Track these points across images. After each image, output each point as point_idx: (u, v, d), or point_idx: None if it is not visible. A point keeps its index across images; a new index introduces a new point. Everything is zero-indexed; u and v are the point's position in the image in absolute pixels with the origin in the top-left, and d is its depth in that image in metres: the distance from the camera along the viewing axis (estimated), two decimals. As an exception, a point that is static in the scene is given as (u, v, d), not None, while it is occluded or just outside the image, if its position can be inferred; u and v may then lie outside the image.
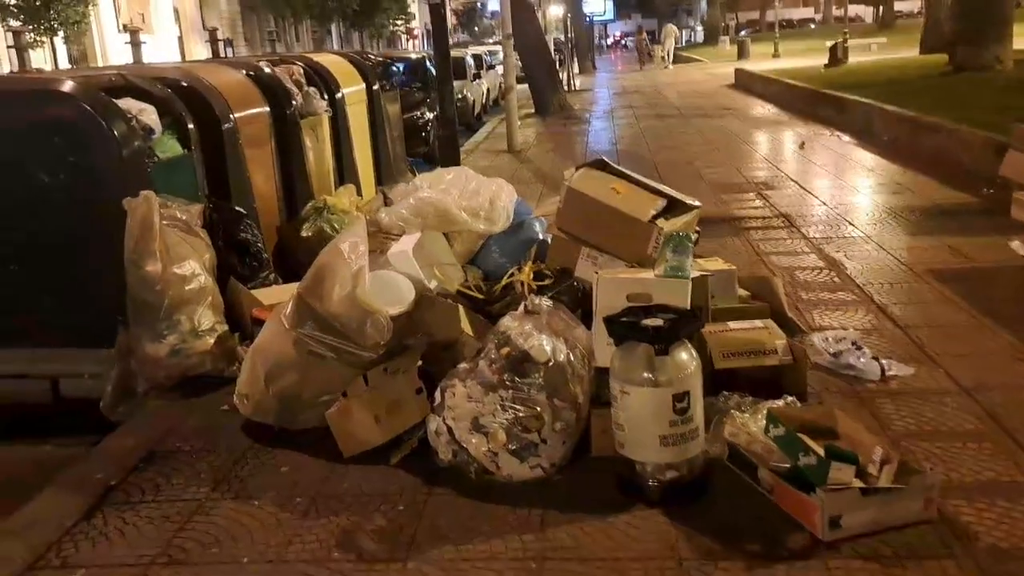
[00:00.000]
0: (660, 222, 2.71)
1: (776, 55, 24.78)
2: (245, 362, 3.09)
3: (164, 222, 3.60)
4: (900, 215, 5.62)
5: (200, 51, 31.41)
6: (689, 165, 8.22)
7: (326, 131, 6.00)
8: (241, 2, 34.00)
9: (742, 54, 27.21)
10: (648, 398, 2.35)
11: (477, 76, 14.98)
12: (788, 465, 2.36)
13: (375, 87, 7.14)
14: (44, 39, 21.17)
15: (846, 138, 9.20)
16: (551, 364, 2.54)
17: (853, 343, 3.30)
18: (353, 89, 6.60)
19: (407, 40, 44.25)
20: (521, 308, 2.76)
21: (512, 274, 2.98)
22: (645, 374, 2.35)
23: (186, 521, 2.49)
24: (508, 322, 2.65)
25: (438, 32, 5.41)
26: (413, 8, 45.35)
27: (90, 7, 22.18)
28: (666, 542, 2.23)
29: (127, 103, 3.92)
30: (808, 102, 11.76)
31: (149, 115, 3.98)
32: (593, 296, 2.73)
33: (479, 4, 59.75)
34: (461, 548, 2.27)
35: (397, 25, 41.86)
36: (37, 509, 2.63)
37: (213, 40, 7.09)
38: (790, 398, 2.67)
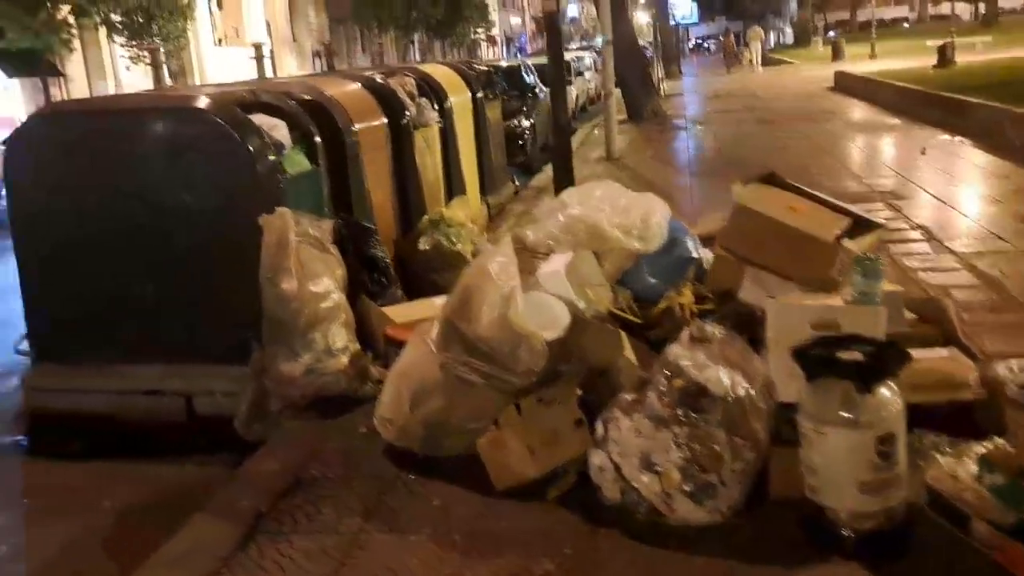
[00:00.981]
0: (846, 243, 2.48)
1: (873, 56, 23.84)
2: (387, 385, 2.99)
3: (298, 239, 3.55)
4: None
5: (290, 63, 32.20)
6: (803, 172, 7.84)
7: (437, 141, 5.93)
8: (329, 15, 34.71)
9: (837, 55, 26.26)
10: (848, 440, 2.13)
11: (568, 82, 14.81)
12: (1008, 518, 2.10)
13: (479, 96, 7.06)
14: (146, 54, 22.02)
15: (970, 143, 8.65)
16: (730, 399, 2.34)
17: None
18: (460, 99, 6.53)
19: (487, 47, 44.45)
20: (686, 334, 2.57)
21: (670, 297, 2.79)
22: (844, 413, 2.13)
23: (345, 556, 2.38)
24: (678, 351, 2.46)
25: (551, 38, 5.28)
26: (493, 16, 45.55)
27: (188, 22, 22.94)
28: (872, 604, 2.01)
29: (259, 119, 3.90)
30: (922, 105, 11.15)
31: (280, 130, 3.95)
32: (767, 323, 2.51)
33: (558, 10, 59.61)
34: (643, 599, 2.09)
35: (478, 33, 42.06)
36: (190, 537, 2.58)
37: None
38: (999, 440, 2.39)
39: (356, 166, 4.51)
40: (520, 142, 9.78)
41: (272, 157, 3.72)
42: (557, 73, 5.34)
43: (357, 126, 4.57)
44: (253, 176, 3.61)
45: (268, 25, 31.50)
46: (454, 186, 6.20)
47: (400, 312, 3.74)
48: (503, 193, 7.54)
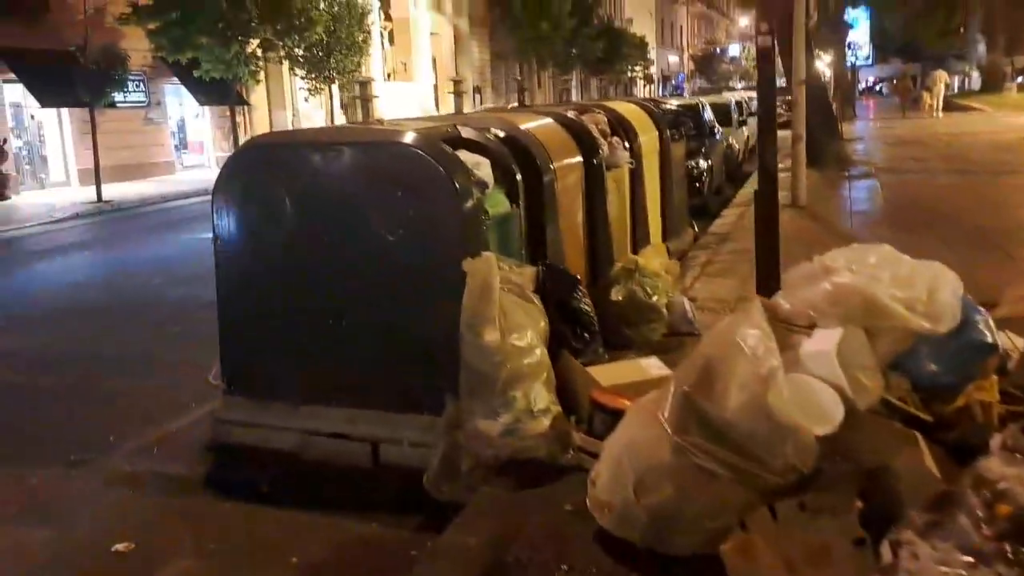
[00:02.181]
0: None
1: (1080, 103, 21.58)
2: (605, 462, 2.63)
3: (501, 286, 3.29)
4: None
5: (451, 99, 33.12)
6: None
7: (626, 183, 5.61)
8: (492, 52, 35.62)
9: (1035, 102, 24.00)
10: None
11: (742, 123, 14.20)
12: None
13: (666, 136, 6.70)
14: (324, 87, 23.22)
15: None
16: (1078, 536, 1.82)
17: None
18: (648, 138, 6.20)
19: (644, 85, 44.12)
20: (997, 442, 2.07)
21: (967, 391, 2.28)
22: None
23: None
24: (999, 466, 1.96)
25: (763, 78, 4.83)
26: (652, 54, 45.26)
27: (363, 57, 24.03)
28: None
29: (464, 156, 3.71)
30: None
31: (484, 168, 3.74)
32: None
33: (717, 50, 58.60)
34: None
35: (635, 71, 41.90)
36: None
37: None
38: None
39: (552, 207, 4.25)
40: (697, 184, 9.32)
41: (477, 196, 3.50)
42: (768, 114, 4.88)
43: (555, 165, 4.31)
44: (459, 216, 3.40)
45: (434, 61, 32.66)
46: (638, 231, 5.85)
47: (606, 373, 3.40)
48: (683, 239, 7.12)
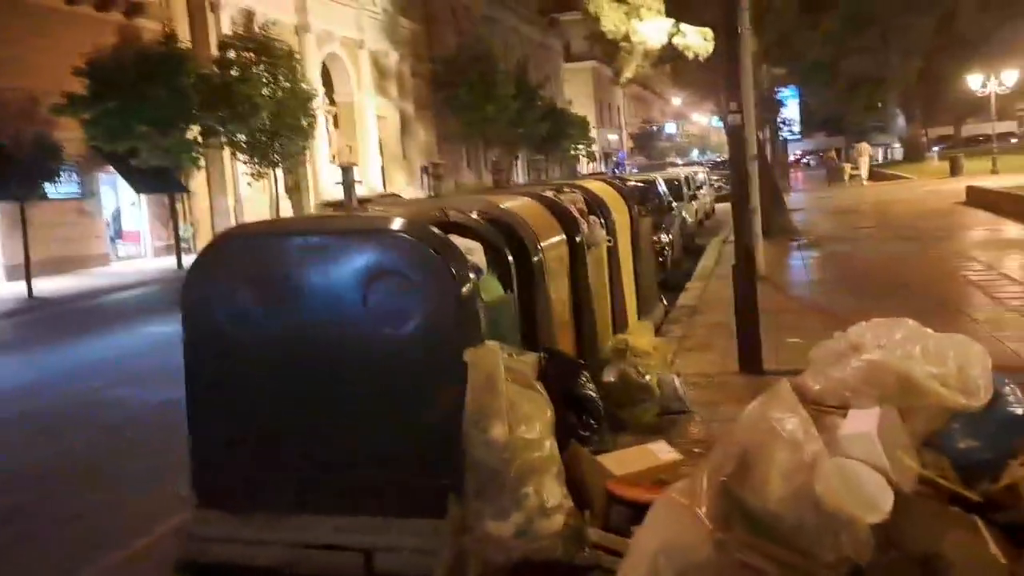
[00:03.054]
0: None
1: (995, 171, 22.89)
2: (637, 562, 2.47)
3: (504, 376, 3.17)
4: None
5: (400, 179, 33.37)
6: (989, 301, 7.13)
7: (605, 261, 5.60)
8: (437, 133, 36.18)
9: (955, 170, 25.37)
10: None
11: (693, 197, 14.56)
12: None
13: (636, 213, 6.76)
14: (267, 171, 23.09)
15: None
16: None
17: None
18: (620, 216, 6.23)
19: (587, 163, 45.29)
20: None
21: (1011, 468, 2.23)
22: None
23: None
24: (1067, 550, 1.89)
25: (735, 155, 4.93)
26: (593, 133, 46.61)
27: (310, 141, 24.06)
28: None
29: (456, 240, 3.62)
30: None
31: (478, 254, 3.66)
32: None
33: (654, 128, 60.69)
34: None
35: (579, 149, 43.01)
36: None
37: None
38: None
39: (544, 290, 4.17)
40: (660, 258, 9.42)
41: (474, 282, 3.40)
42: (742, 191, 4.97)
43: (543, 245, 4.26)
44: (457, 304, 3.28)
45: (381, 144, 32.98)
46: (617, 309, 5.82)
47: (616, 461, 3.27)
48: (656, 314, 7.12)
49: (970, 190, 16.67)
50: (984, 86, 27.28)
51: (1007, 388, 2.44)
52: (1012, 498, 2.19)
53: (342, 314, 3.38)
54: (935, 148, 40.15)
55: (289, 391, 3.45)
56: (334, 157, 29.39)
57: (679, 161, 34.43)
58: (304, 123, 22.80)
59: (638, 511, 2.73)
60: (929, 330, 2.51)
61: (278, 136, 22.11)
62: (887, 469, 2.25)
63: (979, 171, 23.80)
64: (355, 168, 25.07)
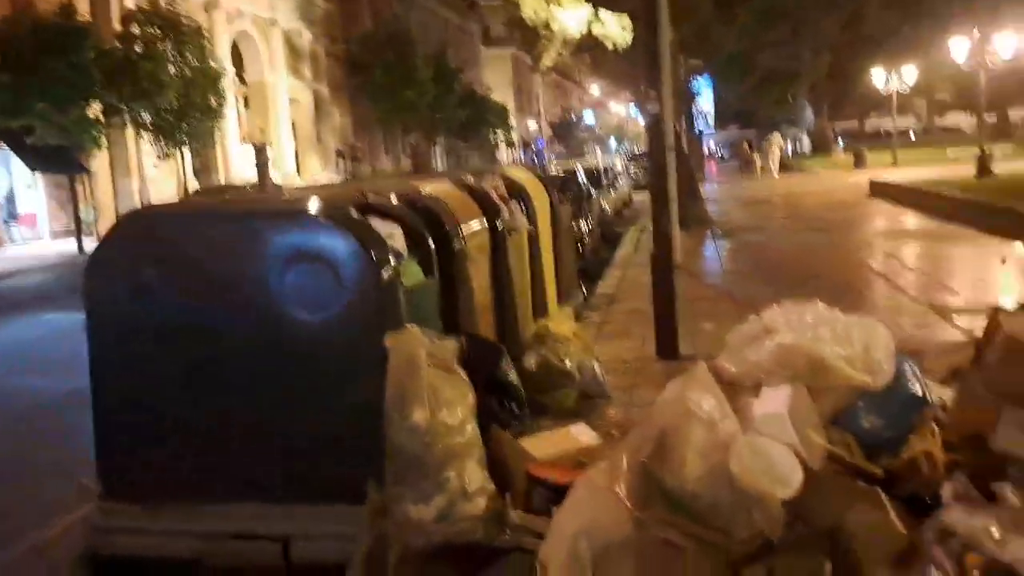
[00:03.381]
0: None
1: (895, 164, 24.04)
2: (556, 543, 2.50)
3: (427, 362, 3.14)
4: None
5: (314, 163, 32.67)
6: (890, 289, 7.49)
7: (526, 248, 5.62)
8: (353, 117, 35.55)
9: (859, 163, 26.52)
10: None
11: (611, 186, 14.77)
12: None
13: (556, 200, 6.80)
14: (174, 152, 22.23)
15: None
16: (1046, 584, 1.87)
17: None
18: (541, 203, 6.26)
19: (507, 150, 45.37)
20: (948, 492, 2.13)
21: (911, 444, 2.35)
22: None
23: None
24: (961, 517, 2.01)
25: (655, 143, 5.00)
26: (512, 121, 46.69)
27: (218, 121, 23.27)
28: None
29: (376, 223, 3.57)
30: (980, 214, 10.91)
31: (398, 238, 3.61)
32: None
33: (574, 117, 61.24)
34: None
35: (498, 136, 43.02)
36: None
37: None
38: None
39: (465, 275, 4.15)
40: (579, 246, 9.52)
41: (394, 269, 3.35)
42: (660, 179, 5.05)
43: (465, 231, 4.24)
44: (377, 290, 3.23)
45: (294, 126, 32.18)
46: (538, 295, 5.85)
47: (537, 445, 3.29)
48: (576, 301, 7.19)
49: (873, 183, 17.46)
50: (887, 82, 28.59)
51: (908, 368, 2.56)
52: (911, 471, 2.31)
53: (256, 299, 3.28)
54: (841, 142, 41.84)
55: (200, 378, 3.34)
56: (245, 139, 28.52)
57: (598, 150, 34.82)
58: (213, 103, 22.02)
59: (559, 493, 2.76)
60: (838, 313, 2.61)
61: (186, 116, 21.30)
62: (797, 447, 2.33)
63: (881, 164, 24.93)
64: (269, 149, 24.45)
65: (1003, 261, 8.06)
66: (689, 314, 6.06)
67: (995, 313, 2.43)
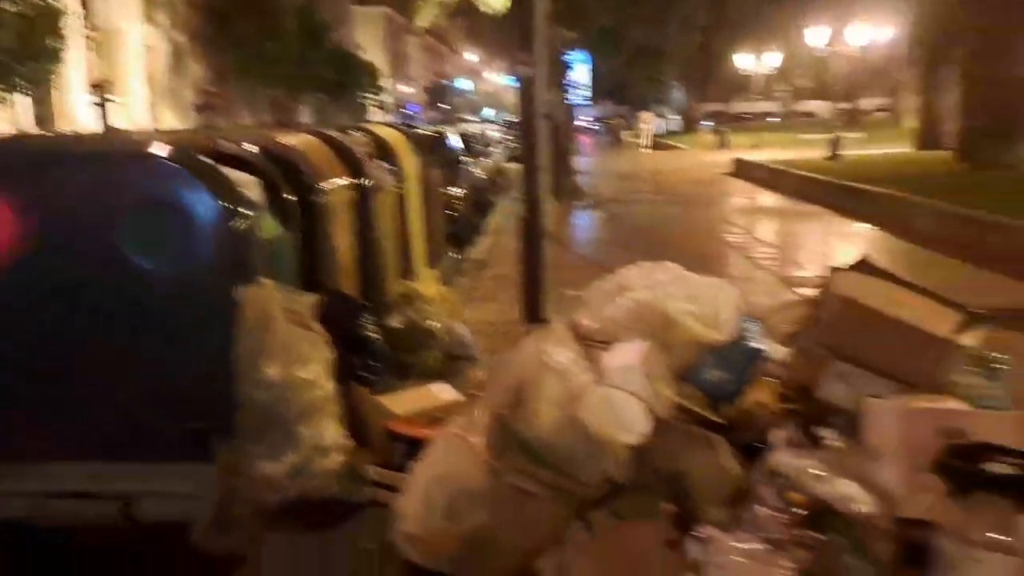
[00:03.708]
0: (960, 338, 2.28)
1: (756, 146, 25.30)
2: (413, 494, 2.51)
3: (282, 317, 3.04)
4: (1010, 319, 5.28)
5: (170, 117, 30.81)
6: (740, 257, 7.91)
7: (393, 207, 5.52)
8: (213, 68, 33.70)
9: (723, 144, 27.74)
10: (1006, 568, 1.86)
11: (486, 154, 14.76)
12: None
13: (425, 162, 6.72)
14: (9, 96, 20.37)
15: (883, 232, 9.04)
16: (857, 516, 2.04)
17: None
18: (410, 163, 6.16)
19: (379, 114, 44.30)
20: (780, 438, 2.28)
21: (748, 395, 2.49)
22: (1001, 536, 1.86)
23: None
24: (787, 459, 2.16)
25: (525, 106, 5.02)
26: (385, 83, 45.67)
27: (58, 65, 21.44)
28: None
29: (228, 172, 3.40)
30: (827, 194, 11.70)
31: (253, 188, 3.45)
32: (872, 426, 2.25)
33: (448, 82, 60.63)
34: None
35: (369, 99, 41.94)
36: None
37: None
38: None
39: (325, 231, 4.03)
40: (451, 212, 9.45)
41: (247, 220, 3.21)
42: (530, 144, 5.08)
43: (326, 186, 4.11)
44: (227, 240, 3.08)
45: (148, 76, 30.19)
46: (405, 257, 5.77)
47: (397, 402, 3.27)
48: (444, 265, 7.16)
49: (736, 162, 18.32)
50: (751, 66, 30.00)
51: (751, 326, 2.71)
52: (748, 420, 2.45)
53: (96, 247, 3.06)
54: (708, 122, 43.56)
55: (33, 328, 3.10)
56: (93, 88, 26.46)
57: (473, 118, 34.71)
58: (53, 46, 20.23)
59: (417, 448, 2.75)
60: (691, 273, 2.72)
61: (24, 59, 19.49)
62: (646, 398, 2.42)
63: (743, 145, 26.16)
64: (117, 100, 22.84)
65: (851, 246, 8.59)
66: (556, 280, 6.16)
67: (828, 275, 2.60)
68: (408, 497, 2.53)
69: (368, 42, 48.48)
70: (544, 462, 2.31)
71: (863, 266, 2.55)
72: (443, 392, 3.44)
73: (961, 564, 1.91)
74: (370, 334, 3.49)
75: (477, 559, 2.38)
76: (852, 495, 2.05)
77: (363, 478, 2.99)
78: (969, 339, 2.30)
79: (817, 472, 2.09)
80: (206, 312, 3.06)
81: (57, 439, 3.11)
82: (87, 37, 26.02)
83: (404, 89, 56.75)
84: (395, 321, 4.34)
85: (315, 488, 2.93)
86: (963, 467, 1.94)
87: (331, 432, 3.00)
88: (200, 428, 3.00)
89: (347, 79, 36.84)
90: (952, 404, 2.18)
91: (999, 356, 2.27)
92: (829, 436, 2.19)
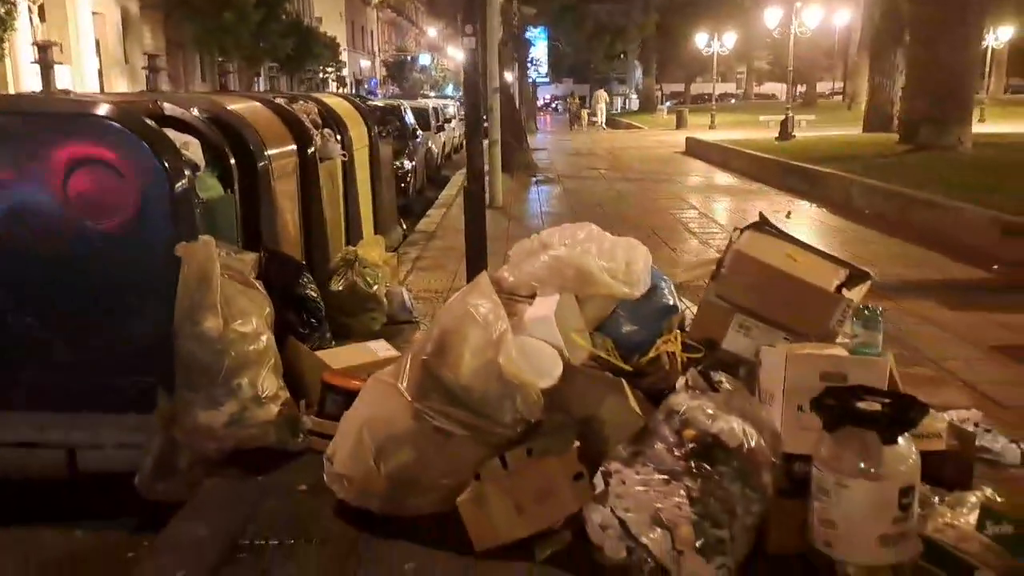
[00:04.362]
0: (845, 292, 2.49)
1: (713, 126, 25.65)
2: (343, 437, 2.66)
3: (222, 273, 3.16)
4: (931, 289, 5.59)
5: (121, 86, 30.11)
6: (687, 233, 8.15)
7: (339, 176, 5.62)
8: (167, 38, 32.98)
9: (680, 123, 28.05)
10: (871, 493, 2.09)
11: (440, 128, 14.79)
12: (1015, 566, 2.12)
13: (375, 133, 6.81)
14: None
15: (825, 210, 9.35)
16: (744, 450, 2.25)
17: (976, 424, 3.13)
18: (358, 133, 6.24)
19: (337, 88, 43.79)
20: (682, 382, 2.48)
21: (658, 345, 2.69)
22: (868, 465, 2.08)
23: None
24: (685, 400, 2.35)
25: (470, 79, 5.14)
26: (344, 56, 45.14)
27: (7, 31, 20.87)
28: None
29: (171, 135, 3.48)
30: (775, 173, 12.01)
31: (195, 149, 3.54)
32: (764, 372, 2.46)
33: (408, 58, 60.03)
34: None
35: (328, 72, 41.45)
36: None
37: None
38: (988, 490, 2.43)
39: (268, 194, 4.13)
40: (403, 184, 9.55)
41: (188, 180, 3.31)
42: (475, 116, 5.20)
43: (270, 152, 4.21)
44: (168, 199, 3.18)
45: (98, 43, 29.44)
46: (351, 225, 5.88)
47: (335, 357, 3.40)
48: (393, 236, 7.27)
49: (689, 141, 18.60)
50: (709, 46, 30.29)
51: (662, 282, 2.91)
52: (655, 368, 2.64)
53: (38, 204, 3.16)
54: (667, 103, 43.93)
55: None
56: (39, 51, 25.77)
57: (432, 94, 34.54)
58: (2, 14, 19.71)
59: (351, 399, 2.88)
60: (607, 233, 2.90)
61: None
62: (561, 346, 2.61)
63: (700, 125, 26.47)
64: (64, 65, 22.29)
65: (788, 215, 8.95)
66: (503, 251, 6.33)
67: (731, 234, 2.80)
68: (339, 440, 2.68)
69: (327, 14, 47.80)
70: (465, 405, 2.47)
71: (761, 226, 2.75)
72: (380, 349, 3.58)
73: (832, 490, 2.12)
74: (310, 292, 3.61)
75: (403, 496, 2.55)
76: (739, 431, 2.25)
77: (300, 428, 3.13)
78: (852, 294, 2.51)
79: (709, 411, 2.29)
80: (145, 268, 3.17)
81: (3, 392, 3.19)
82: (33, 3, 25.29)
83: (363, 63, 56.10)
84: (338, 285, 4.46)
85: (252, 437, 3.07)
86: (836, 405, 2.15)
87: (269, 383, 3.14)
88: (141, 381, 3.12)
89: (305, 52, 36.38)
90: (834, 351, 2.39)
91: (875, 309, 2.48)
92: (725, 380, 2.38)
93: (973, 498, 2.37)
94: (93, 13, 28.80)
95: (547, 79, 35.03)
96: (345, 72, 46.22)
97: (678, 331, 2.72)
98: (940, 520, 2.33)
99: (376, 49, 60.27)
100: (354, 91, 48.81)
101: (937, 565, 2.23)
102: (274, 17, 32.80)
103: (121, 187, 3.15)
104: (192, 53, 33.42)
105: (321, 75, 41.01)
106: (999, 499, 2.42)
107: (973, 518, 2.28)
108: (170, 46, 32.56)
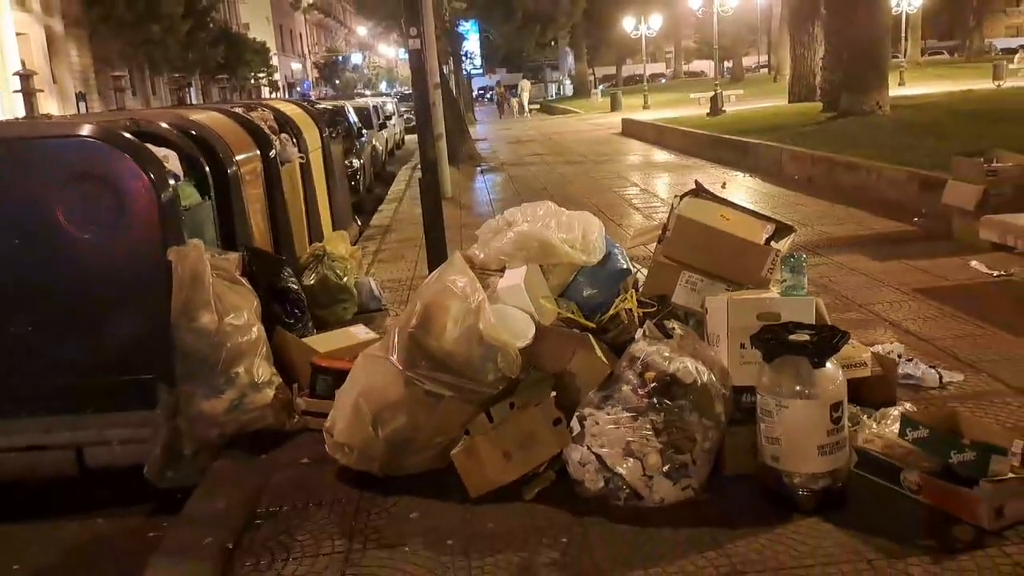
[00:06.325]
0: (773, 244, 2.86)
1: (647, 106, 26.23)
2: (340, 410, 2.94)
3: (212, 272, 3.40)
4: (858, 244, 6.07)
5: (51, 106, 29.39)
6: (630, 208, 8.55)
7: (299, 178, 5.85)
8: (94, 55, 32.29)
9: (615, 106, 28.60)
10: (806, 410, 2.44)
11: (382, 126, 14.97)
12: (933, 464, 2.51)
13: (326, 135, 7.04)
14: None
15: (758, 179, 9.85)
16: (698, 385, 2.60)
17: (900, 355, 3.55)
18: (311, 136, 6.47)
19: (270, 92, 43.38)
20: (640, 333, 2.82)
21: (617, 303, 3.03)
22: (802, 387, 2.44)
23: (343, 571, 2.33)
24: (644, 347, 2.69)
25: (417, 77, 5.41)
26: (274, 61, 44.69)
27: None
28: (846, 546, 2.31)
29: (151, 148, 3.69)
30: (709, 147, 12.52)
31: (174, 161, 3.77)
32: (711, 318, 2.82)
33: (339, 58, 59.61)
34: (651, 571, 2.26)
35: (259, 78, 41.02)
36: (162, 580, 2.39)
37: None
38: (908, 405, 2.83)
39: (239, 199, 4.36)
40: (353, 183, 9.75)
41: (172, 187, 3.53)
42: (424, 111, 5.47)
43: (237, 158, 4.44)
44: (157, 208, 3.40)
45: (23, 64, 28.68)
46: (312, 223, 6.12)
47: (320, 343, 3.68)
48: (350, 232, 7.50)
49: (625, 122, 19.09)
50: (637, 29, 30.95)
51: (616, 250, 3.25)
52: (615, 324, 2.99)
53: (35, 221, 3.35)
54: (600, 87, 44.58)
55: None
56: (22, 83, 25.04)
57: (367, 92, 34.52)
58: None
59: (340, 379, 3.16)
60: (564, 209, 3.23)
61: None
62: (532, 311, 2.93)
63: (634, 106, 27.03)
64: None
65: (723, 185, 9.40)
66: (458, 240, 6.64)
67: (672, 201, 3.16)
68: (337, 413, 2.96)
69: (254, 19, 47.22)
70: (451, 369, 2.77)
71: (698, 193, 3.11)
72: (361, 333, 3.86)
73: (775, 411, 2.49)
74: (292, 284, 3.87)
75: (401, 456, 2.85)
76: (693, 369, 2.60)
77: (295, 409, 3.40)
78: (780, 245, 2.89)
79: (665, 354, 2.64)
80: (139, 274, 3.38)
81: (10, 397, 3.38)
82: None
83: (294, 66, 55.49)
84: (309, 279, 4.71)
85: (252, 420, 3.33)
86: (772, 339, 2.51)
87: (263, 370, 3.40)
88: (142, 379, 3.34)
89: (235, 59, 36.04)
90: (767, 295, 2.76)
91: (800, 256, 2.86)
92: (677, 327, 2.73)
93: (895, 412, 2.77)
94: (17, 34, 28.07)
95: (481, 71, 35.33)
96: (277, 76, 45.76)
97: (633, 291, 3.06)
98: (868, 432, 2.72)
99: (306, 51, 59.71)
100: (287, 94, 48.35)
101: (868, 471, 2.62)
102: (202, 26, 32.43)
103: (112, 200, 3.36)
104: (120, 68, 32.84)
105: (252, 81, 40.58)
106: (915, 410, 2.83)
107: (896, 428, 2.67)
108: (98, 64, 31.91)
